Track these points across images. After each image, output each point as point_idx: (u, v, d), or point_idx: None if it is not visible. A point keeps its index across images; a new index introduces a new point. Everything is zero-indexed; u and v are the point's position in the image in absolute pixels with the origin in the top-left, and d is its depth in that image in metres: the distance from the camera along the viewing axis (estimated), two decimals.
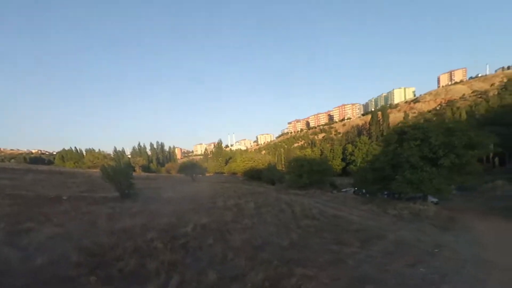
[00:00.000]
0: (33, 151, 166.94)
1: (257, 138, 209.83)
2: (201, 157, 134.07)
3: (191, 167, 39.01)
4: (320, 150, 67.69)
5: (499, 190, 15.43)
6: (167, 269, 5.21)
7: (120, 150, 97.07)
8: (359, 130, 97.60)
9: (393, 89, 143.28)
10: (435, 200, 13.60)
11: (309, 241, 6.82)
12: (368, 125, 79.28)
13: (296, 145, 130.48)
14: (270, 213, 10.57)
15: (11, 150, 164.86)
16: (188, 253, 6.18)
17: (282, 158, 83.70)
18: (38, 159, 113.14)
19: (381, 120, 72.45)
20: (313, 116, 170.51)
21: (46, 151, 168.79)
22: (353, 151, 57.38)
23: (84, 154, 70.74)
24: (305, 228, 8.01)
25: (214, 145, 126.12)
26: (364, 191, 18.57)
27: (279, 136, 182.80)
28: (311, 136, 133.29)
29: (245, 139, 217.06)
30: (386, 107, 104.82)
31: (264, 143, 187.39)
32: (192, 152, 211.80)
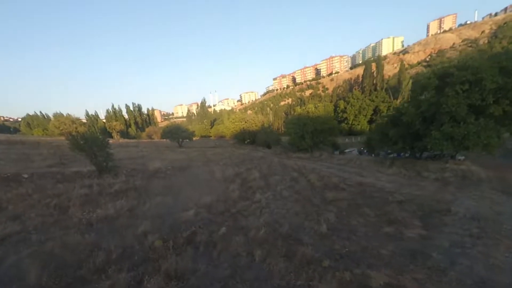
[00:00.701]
0: None
1: (241, 97, 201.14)
2: (184, 119, 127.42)
3: (176, 131, 35.90)
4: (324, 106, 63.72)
5: (509, 144, 15.06)
6: None
7: (93, 114, 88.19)
8: (350, 85, 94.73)
9: (381, 39, 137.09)
10: (461, 157, 12.81)
11: (350, 222, 5.41)
12: (361, 78, 75.92)
13: (282, 103, 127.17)
14: (282, 184, 9.11)
15: None
16: (198, 253, 4.55)
17: (272, 117, 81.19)
18: (1, 128, 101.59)
19: (374, 72, 69.29)
20: (299, 71, 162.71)
21: (11, 118, 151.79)
22: (345, 108, 54.92)
23: (52, 119, 63.30)
24: (335, 203, 6.61)
25: (197, 105, 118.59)
26: (366, 151, 17.33)
27: (265, 94, 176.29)
28: (298, 93, 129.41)
29: (228, 98, 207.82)
30: (382, 57, 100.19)
31: (248, 102, 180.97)
32: (173, 114, 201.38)
